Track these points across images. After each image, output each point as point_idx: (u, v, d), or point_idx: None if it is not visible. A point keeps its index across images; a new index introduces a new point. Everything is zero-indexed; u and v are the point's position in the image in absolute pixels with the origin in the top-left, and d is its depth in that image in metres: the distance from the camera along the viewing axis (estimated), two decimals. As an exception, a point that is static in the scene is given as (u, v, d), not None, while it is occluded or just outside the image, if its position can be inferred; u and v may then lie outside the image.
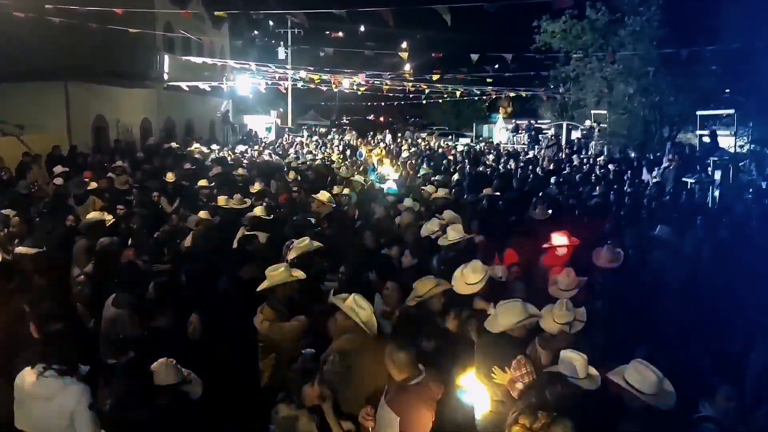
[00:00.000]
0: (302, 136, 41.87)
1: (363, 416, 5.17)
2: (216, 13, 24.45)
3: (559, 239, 8.97)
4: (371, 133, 45.75)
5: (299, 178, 17.35)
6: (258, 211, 11.22)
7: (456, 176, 18.91)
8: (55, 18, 17.77)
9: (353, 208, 13.14)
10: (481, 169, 21.66)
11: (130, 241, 9.72)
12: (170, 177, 15.48)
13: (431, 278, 6.84)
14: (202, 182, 15.09)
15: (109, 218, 10.27)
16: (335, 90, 45.18)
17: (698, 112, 22.99)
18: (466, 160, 24.71)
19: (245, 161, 22.75)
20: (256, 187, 14.47)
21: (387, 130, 46.50)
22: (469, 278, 6.94)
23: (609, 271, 8.26)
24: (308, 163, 22.60)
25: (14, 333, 5.95)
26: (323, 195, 12.87)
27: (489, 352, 5.94)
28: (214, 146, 28.95)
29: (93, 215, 10.34)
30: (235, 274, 7.56)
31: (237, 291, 7.15)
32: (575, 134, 34.63)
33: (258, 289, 6.56)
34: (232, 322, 6.54)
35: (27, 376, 4.88)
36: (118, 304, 6.80)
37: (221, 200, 12.59)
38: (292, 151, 30.56)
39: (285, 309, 6.47)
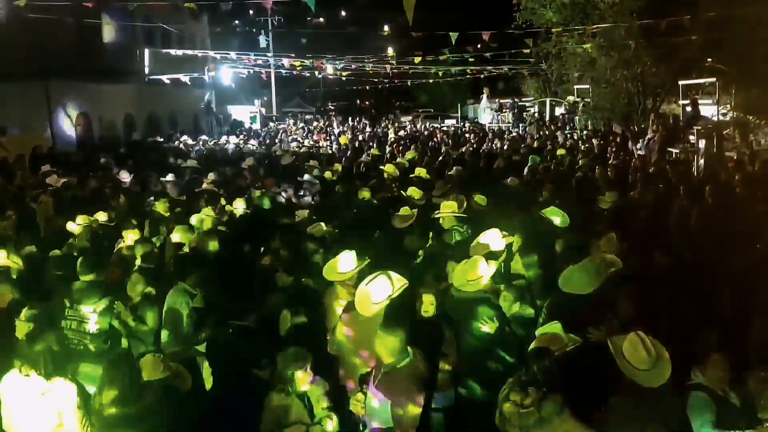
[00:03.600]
0: (286, 124, 41.59)
1: (354, 402, 5.17)
2: (186, 4, 24.01)
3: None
4: (357, 118, 45.52)
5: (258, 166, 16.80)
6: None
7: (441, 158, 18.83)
8: (32, 15, 17.58)
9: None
10: (463, 150, 21.61)
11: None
12: (124, 176, 15.29)
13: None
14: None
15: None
16: (319, 76, 44.97)
17: (680, 82, 22.98)
18: (451, 141, 24.66)
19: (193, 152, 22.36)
20: (210, 177, 13.85)
21: (361, 117, 46.36)
22: (492, 245, 6.97)
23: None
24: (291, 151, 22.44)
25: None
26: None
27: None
28: (204, 137, 28.91)
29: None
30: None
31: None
32: (559, 110, 34.63)
33: (329, 278, 6.62)
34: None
35: (13, 379, 4.86)
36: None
37: None
38: (277, 140, 30.39)
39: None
